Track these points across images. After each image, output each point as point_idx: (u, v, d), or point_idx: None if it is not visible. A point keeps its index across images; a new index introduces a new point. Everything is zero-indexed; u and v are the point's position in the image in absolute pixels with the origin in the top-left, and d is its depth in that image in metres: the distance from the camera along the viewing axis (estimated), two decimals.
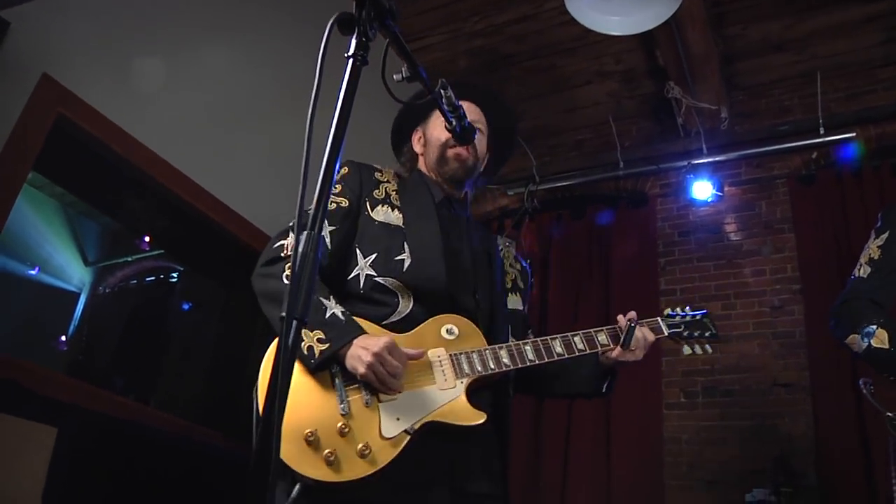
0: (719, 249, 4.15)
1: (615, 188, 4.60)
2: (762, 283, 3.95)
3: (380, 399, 1.44)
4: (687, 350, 1.84)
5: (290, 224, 1.61)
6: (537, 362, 1.60)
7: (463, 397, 1.49)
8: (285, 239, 1.59)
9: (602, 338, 1.69)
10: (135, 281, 3.85)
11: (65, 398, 2.31)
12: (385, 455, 1.39)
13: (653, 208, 4.42)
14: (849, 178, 3.87)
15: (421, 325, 1.56)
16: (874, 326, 1.88)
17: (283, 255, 1.55)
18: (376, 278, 1.57)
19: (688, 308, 1.87)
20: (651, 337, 1.72)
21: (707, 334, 1.85)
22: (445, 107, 1.48)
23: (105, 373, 3.47)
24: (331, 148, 0.97)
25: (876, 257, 2.01)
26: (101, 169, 2.68)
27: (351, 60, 1.02)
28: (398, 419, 1.42)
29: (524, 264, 1.94)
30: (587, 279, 4.34)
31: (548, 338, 1.62)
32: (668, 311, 1.84)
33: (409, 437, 1.42)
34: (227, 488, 2.46)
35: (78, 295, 3.71)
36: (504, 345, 1.58)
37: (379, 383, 1.42)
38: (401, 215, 1.68)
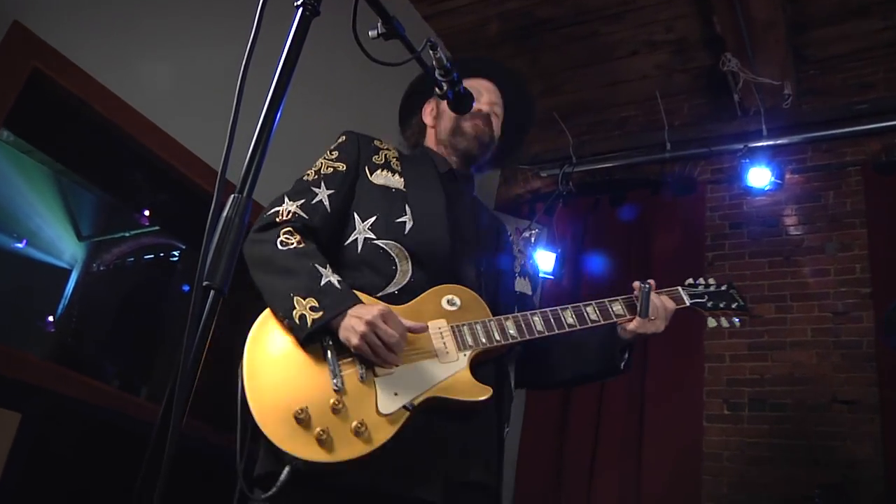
0: (776, 245, 3.98)
1: (660, 172, 4.46)
2: (824, 284, 3.76)
3: (376, 373, 1.42)
4: (712, 323, 1.77)
5: (285, 192, 1.62)
6: (546, 333, 1.57)
7: (467, 371, 1.47)
8: (280, 206, 1.58)
9: (617, 308, 1.65)
10: (132, 259, 3.80)
11: (34, 382, 2.25)
12: (382, 433, 1.35)
13: (702, 196, 4.27)
14: None
15: (420, 296, 1.54)
16: None
17: (277, 220, 1.55)
18: (375, 241, 1.56)
19: (711, 279, 1.82)
20: (671, 305, 1.67)
21: (734, 306, 1.79)
22: (436, 70, 1.43)
23: (95, 357, 3.44)
24: (269, 104, 0.94)
25: None
26: (83, 132, 2.59)
27: (300, 10, 1.00)
28: (396, 394, 1.39)
29: (531, 263, 1.94)
30: (624, 273, 4.17)
31: (558, 308, 1.59)
32: (689, 280, 1.80)
33: (408, 414, 1.38)
34: (210, 485, 2.41)
35: (69, 272, 3.65)
36: (510, 315, 1.56)
37: (374, 355, 1.39)
38: (402, 179, 1.67)
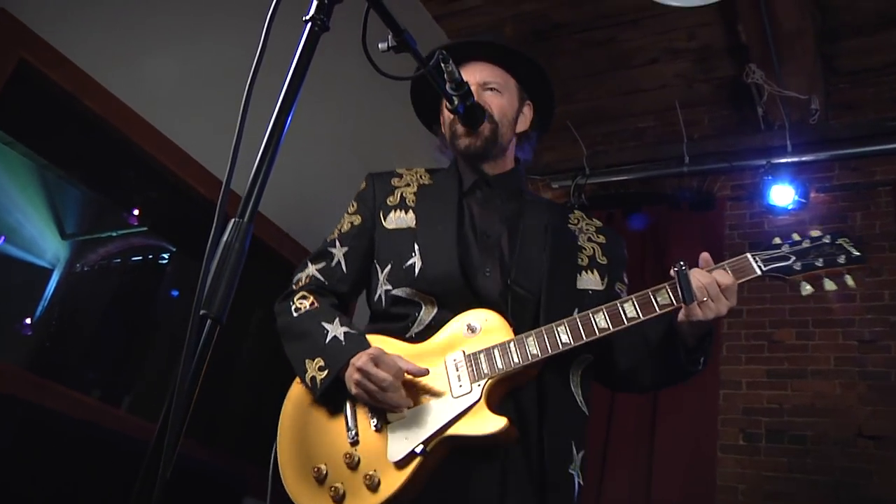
0: None
1: (678, 186, 4.40)
2: (850, 310, 3.67)
3: (388, 420, 1.41)
4: (806, 289, 1.43)
5: (308, 257, 1.71)
6: (573, 344, 1.41)
7: (482, 403, 1.39)
8: (302, 272, 1.68)
9: (663, 298, 1.41)
10: (118, 260, 3.62)
11: (6, 391, 2.16)
12: (390, 482, 1.34)
13: (721, 213, 4.21)
14: None
15: (442, 329, 1.50)
16: None
17: (295, 287, 1.64)
18: (392, 291, 1.56)
19: (813, 233, 1.47)
20: (726, 280, 1.39)
21: (841, 260, 1.41)
22: (447, 83, 1.43)
23: (75, 364, 3.26)
24: (273, 124, 0.94)
25: None
26: (72, 127, 2.51)
27: (308, 25, 1.00)
28: (406, 439, 1.37)
29: (612, 235, 1.75)
30: (637, 288, 3.93)
31: (589, 311, 1.43)
32: (776, 239, 1.48)
33: (418, 459, 1.35)
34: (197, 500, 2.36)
35: (50, 272, 3.47)
36: (533, 331, 1.44)
37: (374, 401, 1.39)
38: (414, 216, 1.65)
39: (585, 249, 1.67)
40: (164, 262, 3.70)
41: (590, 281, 1.63)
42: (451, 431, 1.37)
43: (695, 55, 4.08)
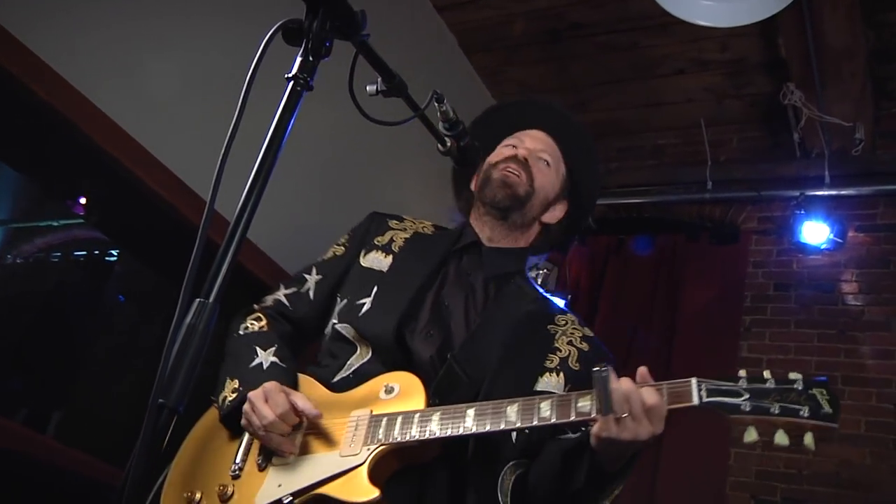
0: (830, 315, 3.78)
1: (698, 214, 4.31)
2: (887, 368, 3.54)
3: (272, 461, 1.46)
4: (750, 436, 1.30)
5: (288, 279, 1.80)
6: (476, 431, 1.36)
7: (363, 469, 1.38)
8: (272, 294, 1.75)
9: (583, 403, 1.33)
10: (58, 254, 3.52)
11: None
12: None
13: (744, 247, 4.12)
14: None
15: (366, 383, 1.53)
16: None
17: (256, 306, 1.71)
18: (337, 325, 1.63)
19: (770, 372, 1.33)
20: (654, 400, 1.27)
21: (804, 413, 1.27)
22: (441, 123, 1.45)
23: None
24: (249, 188, 0.96)
25: None
26: (12, 109, 2.41)
27: (290, 83, 1.04)
28: (280, 486, 1.41)
29: (597, 348, 1.68)
30: (645, 328, 4.07)
31: (505, 401, 1.38)
32: (741, 371, 1.34)
33: None
34: None
35: None
36: (441, 407, 1.42)
37: (257, 437, 1.43)
38: (391, 261, 1.71)
39: (560, 351, 1.63)
40: (112, 259, 3.60)
41: (549, 384, 1.58)
42: (323, 490, 1.38)
43: (727, 68, 3.96)
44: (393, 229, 1.77)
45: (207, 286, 0.90)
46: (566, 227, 1.83)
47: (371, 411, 1.45)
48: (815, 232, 3.74)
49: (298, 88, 1.02)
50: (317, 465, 1.41)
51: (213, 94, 2.73)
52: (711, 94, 4.13)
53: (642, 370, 1.31)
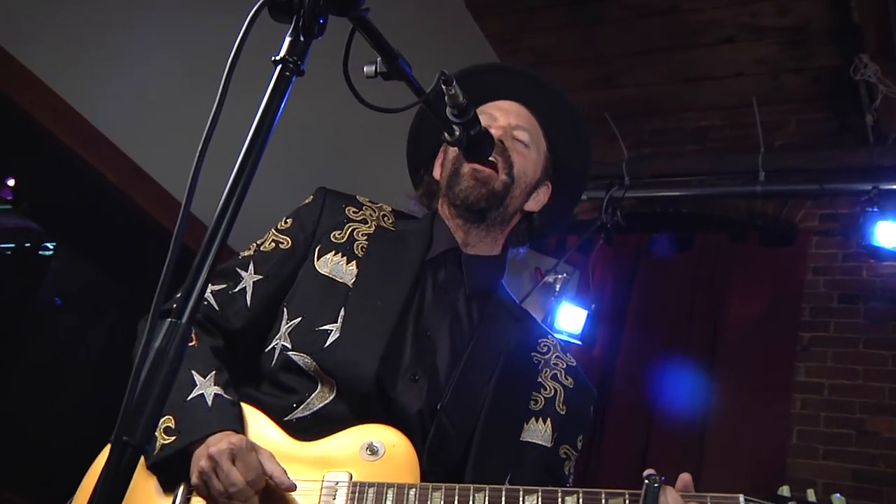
0: None
1: (747, 210, 4.22)
2: None
3: None
4: None
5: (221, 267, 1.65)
6: None
7: None
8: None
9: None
10: None
11: None
12: None
13: (803, 251, 4.00)
14: None
15: (339, 433, 1.45)
16: None
17: (173, 306, 1.42)
18: (289, 352, 1.51)
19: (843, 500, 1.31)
20: None
21: None
22: (448, 109, 1.41)
23: None
24: (232, 181, 0.91)
25: None
26: None
27: (279, 67, 1.01)
28: None
29: (581, 382, 1.74)
30: (682, 342, 3.97)
31: (521, 488, 1.39)
32: (783, 489, 1.39)
33: None
34: None
35: None
36: (443, 485, 1.38)
37: (212, 502, 1.31)
38: (356, 271, 1.61)
39: (546, 389, 1.67)
40: (48, 253, 3.55)
41: (537, 433, 1.63)
42: None
43: (786, 36, 3.84)
44: (351, 220, 1.67)
45: (181, 304, 0.88)
46: (552, 212, 1.81)
47: (350, 475, 1.40)
48: (890, 233, 3.67)
49: (287, 73, 1.01)
50: None
51: (191, 75, 2.80)
52: (766, 67, 4.02)
53: (685, 478, 1.34)
